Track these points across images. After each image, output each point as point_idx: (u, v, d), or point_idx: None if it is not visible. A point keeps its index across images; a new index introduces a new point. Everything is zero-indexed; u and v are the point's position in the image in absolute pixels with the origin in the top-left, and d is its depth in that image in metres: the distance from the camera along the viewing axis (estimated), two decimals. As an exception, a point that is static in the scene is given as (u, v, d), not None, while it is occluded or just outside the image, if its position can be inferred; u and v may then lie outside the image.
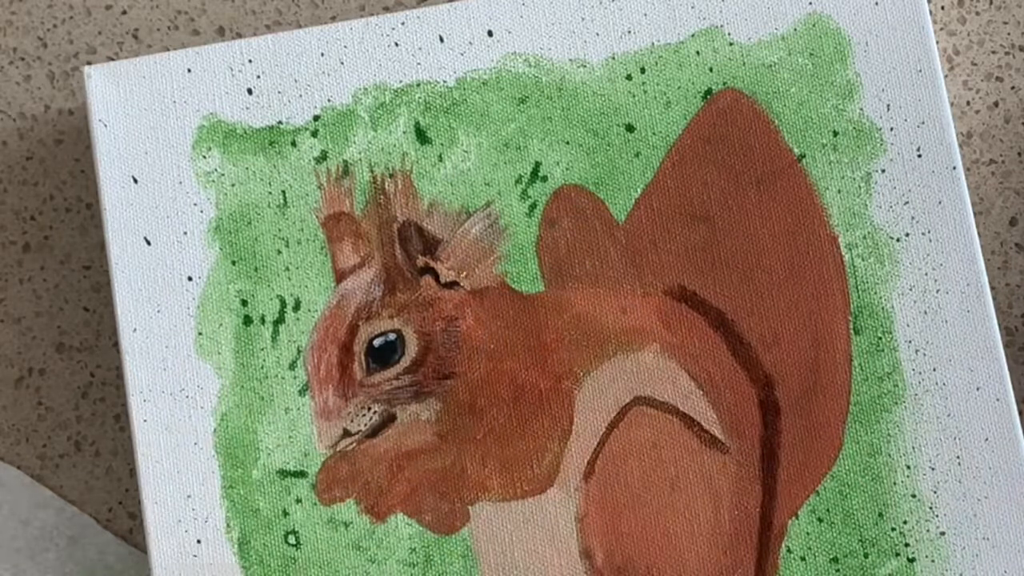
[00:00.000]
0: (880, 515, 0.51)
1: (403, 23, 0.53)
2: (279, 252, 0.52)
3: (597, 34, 0.53)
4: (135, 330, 0.51)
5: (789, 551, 0.51)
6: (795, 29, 0.53)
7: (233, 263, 0.52)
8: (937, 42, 0.55)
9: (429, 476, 0.51)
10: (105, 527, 0.54)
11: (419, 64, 0.53)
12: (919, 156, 0.52)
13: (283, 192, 0.52)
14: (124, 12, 0.56)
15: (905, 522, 0.51)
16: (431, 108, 0.53)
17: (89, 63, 0.56)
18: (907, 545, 0.51)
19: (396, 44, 0.53)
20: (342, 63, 0.53)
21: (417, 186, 0.52)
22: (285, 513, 0.51)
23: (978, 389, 0.51)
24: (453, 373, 0.51)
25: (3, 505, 0.53)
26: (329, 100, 0.53)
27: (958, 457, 0.51)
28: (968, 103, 0.55)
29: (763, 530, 0.51)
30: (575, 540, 0.51)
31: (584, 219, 0.52)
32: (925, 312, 0.52)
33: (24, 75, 0.56)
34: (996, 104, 0.55)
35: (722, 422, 0.51)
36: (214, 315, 0.52)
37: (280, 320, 0.52)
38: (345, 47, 0.53)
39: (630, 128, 0.52)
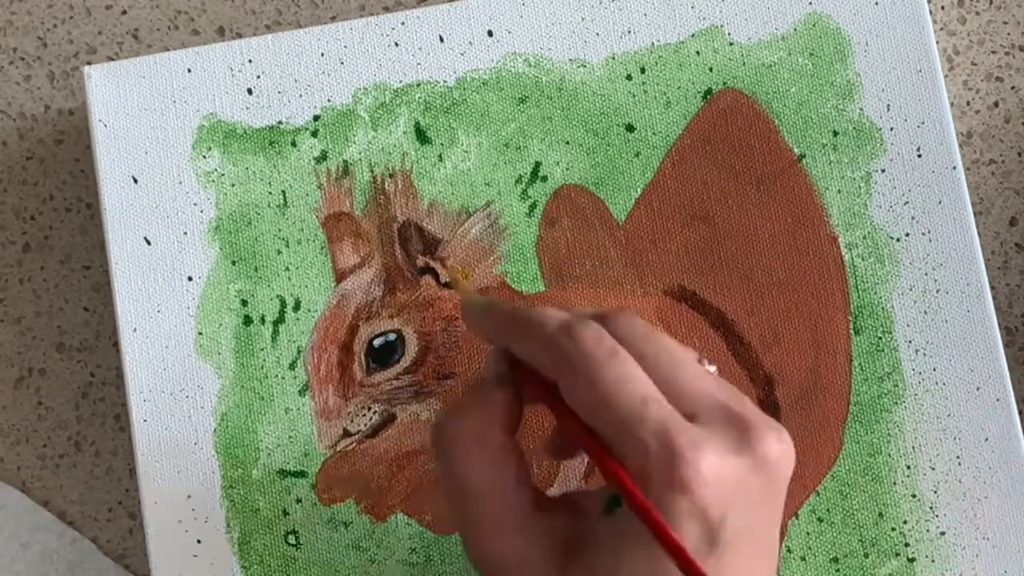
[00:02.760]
0: (880, 515, 0.51)
1: (403, 23, 0.53)
2: (279, 252, 0.52)
3: (597, 34, 0.53)
4: (135, 330, 0.51)
5: (789, 551, 0.51)
6: (795, 29, 0.53)
7: (233, 263, 0.52)
8: (937, 42, 0.55)
9: (429, 476, 0.51)
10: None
11: (419, 64, 0.53)
12: (919, 156, 0.52)
13: (283, 192, 0.52)
14: (124, 12, 0.56)
15: (905, 522, 0.51)
16: (431, 108, 0.53)
17: (89, 63, 0.56)
18: (907, 545, 0.51)
19: (396, 44, 0.53)
20: (342, 63, 0.53)
21: (417, 186, 0.52)
22: (285, 513, 0.51)
23: (978, 389, 0.51)
24: (453, 373, 0.51)
25: (3, 528, 0.53)
26: (329, 100, 0.53)
27: (958, 457, 0.51)
28: (968, 103, 0.55)
29: (763, 530, 0.51)
30: (575, 540, 0.51)
31: (584, 219, 0.52)
32: (925, 312, 0.52)
33: (24, 75, 0.56)
34: (996, 104, 0.55)
35: (722, 422, 0.51)
36: (214, 315, 0.52)
37: (280, 320, 0.52)
38: (345, 47, 0.53)
39: (630, 128, 0.52)
